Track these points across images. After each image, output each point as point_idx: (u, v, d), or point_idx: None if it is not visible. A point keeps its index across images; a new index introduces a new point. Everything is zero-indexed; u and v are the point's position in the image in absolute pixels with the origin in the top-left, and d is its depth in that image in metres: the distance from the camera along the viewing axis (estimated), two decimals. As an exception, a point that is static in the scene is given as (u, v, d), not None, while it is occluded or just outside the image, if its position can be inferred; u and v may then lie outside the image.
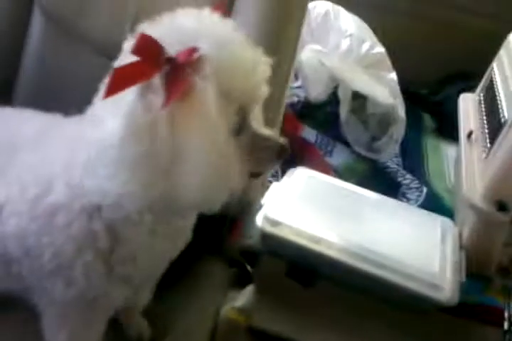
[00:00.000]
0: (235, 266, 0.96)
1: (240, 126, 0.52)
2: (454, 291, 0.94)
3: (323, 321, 0.97)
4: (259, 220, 1.02)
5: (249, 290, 0.93)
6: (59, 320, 0.61)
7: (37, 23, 0.94)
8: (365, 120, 1.72)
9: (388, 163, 1.68)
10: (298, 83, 1.87)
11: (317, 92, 1.71)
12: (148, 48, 0.45)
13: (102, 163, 0.47)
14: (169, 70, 0.45)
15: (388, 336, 0.98)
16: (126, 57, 0.49)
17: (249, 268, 0.95)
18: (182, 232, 0.62)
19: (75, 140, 0.52)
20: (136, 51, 0.44)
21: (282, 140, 0.56)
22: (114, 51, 0.92)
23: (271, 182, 1.20)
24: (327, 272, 1.02)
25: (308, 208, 1.09)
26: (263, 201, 1.08)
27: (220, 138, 0.47)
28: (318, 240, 0.99)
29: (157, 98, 0.45)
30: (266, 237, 1.04)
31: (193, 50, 0.46)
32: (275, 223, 1.02)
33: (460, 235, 1.10)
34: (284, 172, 1.29)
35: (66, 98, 0.93)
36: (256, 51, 0.52)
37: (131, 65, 0.45)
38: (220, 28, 0.50)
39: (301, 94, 1.84)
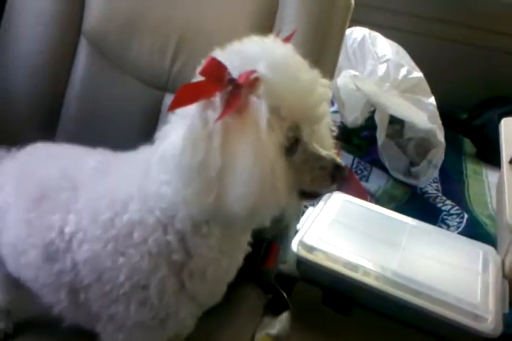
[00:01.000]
0: (270, 292, 0.95)
1: (295, 143, 0.53)
2: (498, 322, 0.90)
3: (359, 350, 0.95)
4: (294, 246, 1.02)
5: (284, 317, 0.92)
6: None
7: (83, 53, 0.98)
8: (402, 145, 1.70)
9: (427, 189, 1.65)
10: (334, 108, 1.88)
11: (353, 117, 1.71)
12: (214, 70, 0.49)
13: (162, 169, 0.51)
14: (230, 90, 0.49)
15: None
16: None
17: (284, 294, 0.94)
18: (241, 249, 0.63)
19: (147, 160, 0.55)
20: (202, 72, 0.49)
21: (339, 161, 0.56)
22: (157, 79, 0.96)
23: (306, 207, 1.20)
24: (364, 300, 1.01)
25: (344, 234, 1.08)
26: (299, 226, 1.08)
27: (267, 153, 0.49)
28: (354, 267, 0.98)
29: (215, 114, 0.49)
30: (301, 263, 1.03)
31: (251, 72, 0.49)
32: (311, 249, 1.02)
33: (503, 263, 1.07)
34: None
35: (110, 126, 0.97)
36: (313, 73, 0.54)
37: (196, 83, 0.50)
38: (278, 52, 0.53)
39: (337, 119, 1.84)
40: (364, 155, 1.76)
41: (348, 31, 1.78)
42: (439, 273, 1.02)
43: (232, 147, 0.48)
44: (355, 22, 1.72)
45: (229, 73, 0.50)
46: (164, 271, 0.55)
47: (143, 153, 0.58)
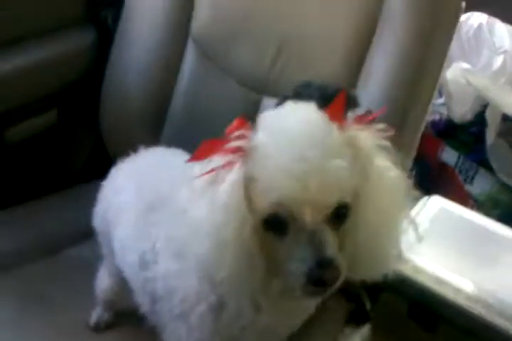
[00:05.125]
0: (353, 301, 0.94)
1: (283, 222, 0.47)
2: None
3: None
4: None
5: (366, 328, 0.91)
6: None
7: (190, 54, 1.01)
8: (515, 145, 1.57)
9: (540, 196, 1.51)
10: (441, 100, 1.76)
11: (462, 112, 1.60)
12: (234, 131, 0.49)
13: None
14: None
15: None
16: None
17: (367, 305, 0.93)
18: (298, 311, 0.61)
19: None
20: (228, 130, 0.50)
21: (328, 256, 0.46)
22: (256, 82, 0.97)
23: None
24: (452, 318, 0.96)
25: (437, 245, 1.03)
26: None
27: (227, 221, 0.46)
28: (445, 283, 0.94)
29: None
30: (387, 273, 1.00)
31: (242, 136, 0.49)
32: (399, 259, 0.98)
33: None
34: (416, 199, 1.23)
35: (210, 125, 0.99)
36: (326, 157, 0.46)
37: (217, 140, 0.49)
38: (288, 120, 0.50)
39: (444, 111, 1.73)
40: (470, 152, 1.64)
41: (464, 17, 1.65)
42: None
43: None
44: (476, 6, 1.58)
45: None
46: (204, 307, 0.56)
47: None
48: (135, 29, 1.03)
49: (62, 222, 1.02)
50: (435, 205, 1.16)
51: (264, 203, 0.46)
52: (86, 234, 0.96)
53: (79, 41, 1.11)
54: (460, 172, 1.56)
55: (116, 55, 1.07)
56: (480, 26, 1.60)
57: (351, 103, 0.73)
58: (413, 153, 1.00)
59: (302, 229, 0.47)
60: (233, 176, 0.47)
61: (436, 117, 1.75)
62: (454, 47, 1.62)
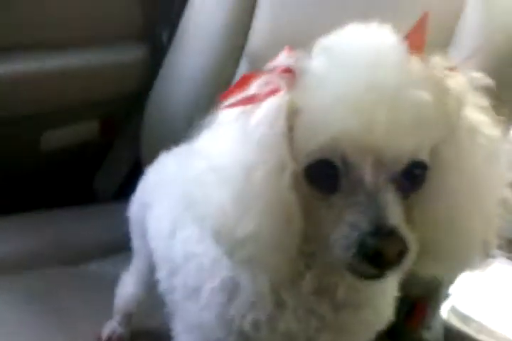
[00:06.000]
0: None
1: (334, 178, 0.36)
2: None
3: None
4: (444, 311, 0.91)
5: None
6: None
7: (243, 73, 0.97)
8: None
9: None
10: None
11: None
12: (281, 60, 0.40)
13: None
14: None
15: None
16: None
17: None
18: (337, 320, 0.45)
19: None
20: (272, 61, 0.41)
21: (391, 223, 0.33)
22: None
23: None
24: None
25: (508, 305, 0.94)
26: (452, 289, 0.93)
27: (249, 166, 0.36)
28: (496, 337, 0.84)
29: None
30: (451, 333, 0.91)
31: (291, 57, 0.40)
32: (464, 318, 0.91)
33: None
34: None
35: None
36: (404, 86, 0.34)
37: (259, 71, 0.41)
38: (352, 42, 0.37)
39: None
40: None
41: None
42: None
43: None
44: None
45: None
46: (216, 283, 0.46)
47: None
48: (189, 48, 1.02)
49: (86, 235, 1.00)
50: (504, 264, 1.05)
51: (311, 144, 0.35)
52: (109, 251, 0.96)
53: (129, 56, 1.10)
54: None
55: (167, 74, 1.05)
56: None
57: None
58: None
59: (358, 187, 0.34)
60: (275, 103, 0.36)
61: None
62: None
